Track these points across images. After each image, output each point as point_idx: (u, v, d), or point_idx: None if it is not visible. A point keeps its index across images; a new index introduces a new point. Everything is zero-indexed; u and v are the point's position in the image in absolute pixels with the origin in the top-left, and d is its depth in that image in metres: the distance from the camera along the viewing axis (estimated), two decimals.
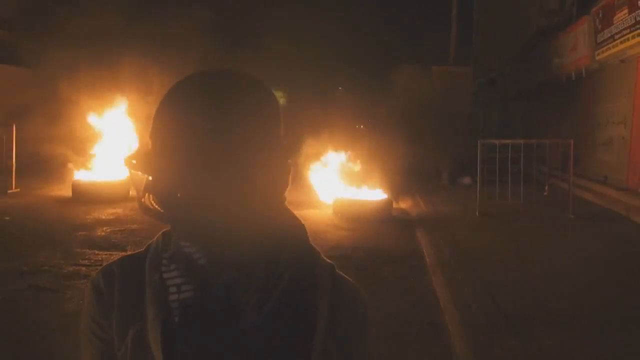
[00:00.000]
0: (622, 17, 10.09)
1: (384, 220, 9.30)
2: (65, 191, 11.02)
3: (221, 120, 0.77)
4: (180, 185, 0.77)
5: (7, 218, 8.78)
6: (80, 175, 11.16)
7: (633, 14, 9.61)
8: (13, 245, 6.92)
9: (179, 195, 0.78)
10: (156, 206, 0.82)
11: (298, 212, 0.91)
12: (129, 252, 0.93)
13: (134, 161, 0.82)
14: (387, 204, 9.79)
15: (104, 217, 8.91)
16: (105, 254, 6.57)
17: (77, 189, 10.70)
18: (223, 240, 0.79)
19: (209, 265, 0.81)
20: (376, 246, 7.51)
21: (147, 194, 0.82)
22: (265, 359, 0.80)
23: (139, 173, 0.82)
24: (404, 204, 11.01)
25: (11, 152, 11.53)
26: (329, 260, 0.92)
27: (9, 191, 11.22)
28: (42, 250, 6.68)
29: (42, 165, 12.90)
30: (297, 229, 0.90)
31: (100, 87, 11.48)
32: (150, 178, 0.81)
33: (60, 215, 9.04)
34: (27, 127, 12.05)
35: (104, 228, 8.11)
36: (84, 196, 10.41)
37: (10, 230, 7.98)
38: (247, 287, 0.80)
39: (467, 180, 13.93)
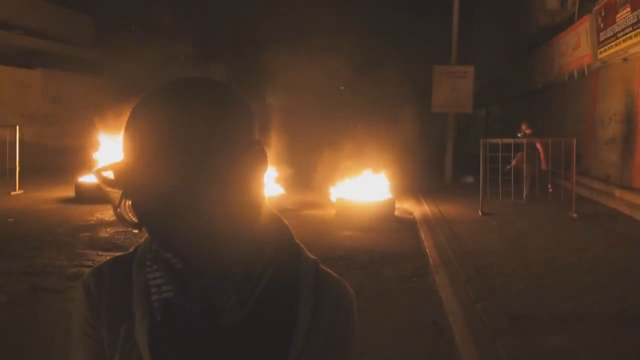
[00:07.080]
0: (624, 15, 10.06)
1: (387, 220, 9.30)
2: (69, 192, 11.04)
3: (194, 127, 0.77)
4: (153, 193, 0.77)
5: (11, 220, 8.81)
6: (84, 177, 11.18)
7: (635, 12, 9.57)
8: (17, 247, 6.95)
9: (150, 203, 0.77)
10: (131, 215, 0.81)
11: (301, 213, 0.92)
12: (119, 253, 0.94)
13: (106, 173, 0.80)
14: (390, 204, 9.79)
15: (107, 218, 8.92)
16: (109, 255, 6.54)
17: (80, 190, 10.73)
18: (199, 246, 0.79)
19: (185, 270, 0.82)
20: (379, 246, 7.51)
21: (122, 204, 0.81)
22: (245, 354, 0.81)
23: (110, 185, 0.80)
24: (407, 204, 11.01)
25: (15, 154, 11.57)
26: (313, 256, 0.93)
27: (12, 193, 11.25)
28: (46, 252, 6.70)
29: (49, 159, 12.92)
30: (280, 228, 0.92)
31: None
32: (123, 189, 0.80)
33: (63, 217, 9.07)
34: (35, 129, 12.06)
35: (107, 229, 8.13)
36: (87, 197, 10.43)
37: (14, 231, 8.00)
38: (226, 289, 0.82)
39: (469, 179, 13.92)
